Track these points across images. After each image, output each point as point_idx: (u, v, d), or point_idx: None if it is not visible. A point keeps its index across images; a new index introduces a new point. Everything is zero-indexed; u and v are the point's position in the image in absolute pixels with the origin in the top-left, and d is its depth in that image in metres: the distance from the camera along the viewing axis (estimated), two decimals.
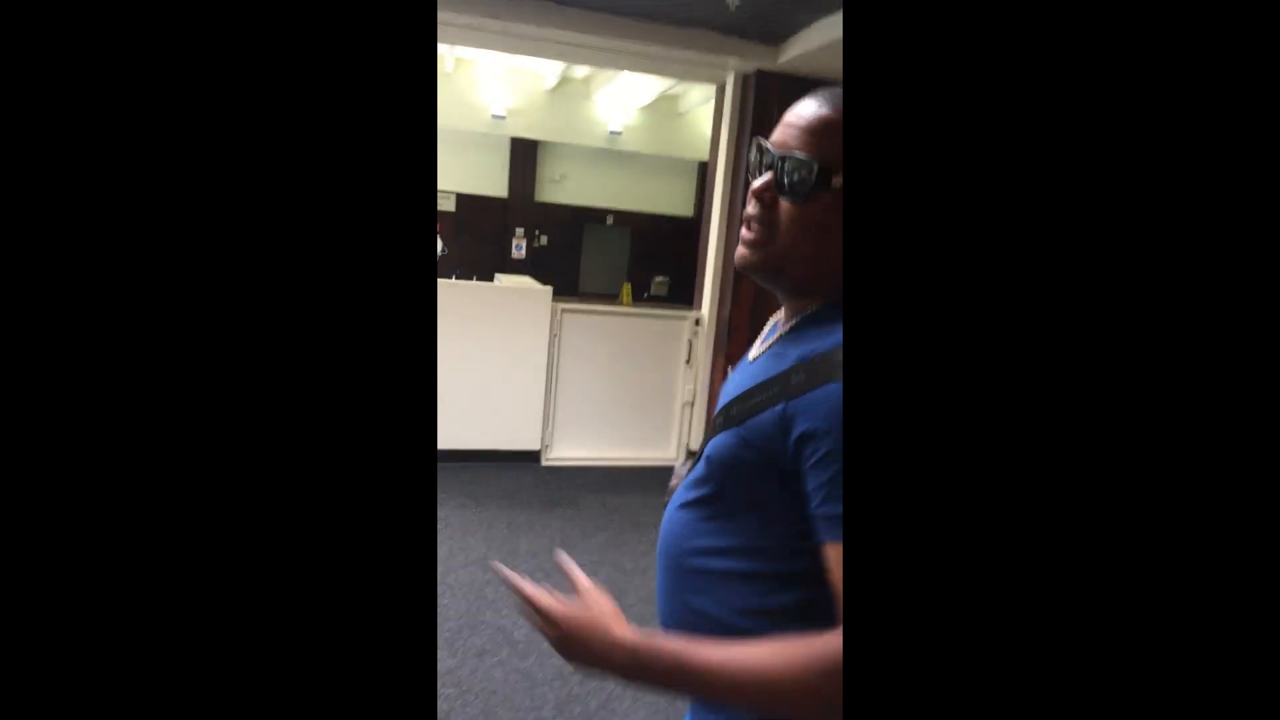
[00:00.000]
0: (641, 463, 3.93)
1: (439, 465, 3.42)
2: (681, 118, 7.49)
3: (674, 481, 0.84)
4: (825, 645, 0.60)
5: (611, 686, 2.10)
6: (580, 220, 8.71)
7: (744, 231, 0.72)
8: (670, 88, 6.72)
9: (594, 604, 0.70)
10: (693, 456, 0.79)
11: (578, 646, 0.67)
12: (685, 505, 0.74)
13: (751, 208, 0.70)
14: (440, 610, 2.42)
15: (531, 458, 3.81)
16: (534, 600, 0.69)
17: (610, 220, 8.81)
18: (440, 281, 4.23)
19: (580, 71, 6.89)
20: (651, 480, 3.72)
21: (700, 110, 7.27)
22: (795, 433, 0.63)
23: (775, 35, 3.23)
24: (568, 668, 2.33)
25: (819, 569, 0.63)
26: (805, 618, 0.63)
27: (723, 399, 0.76)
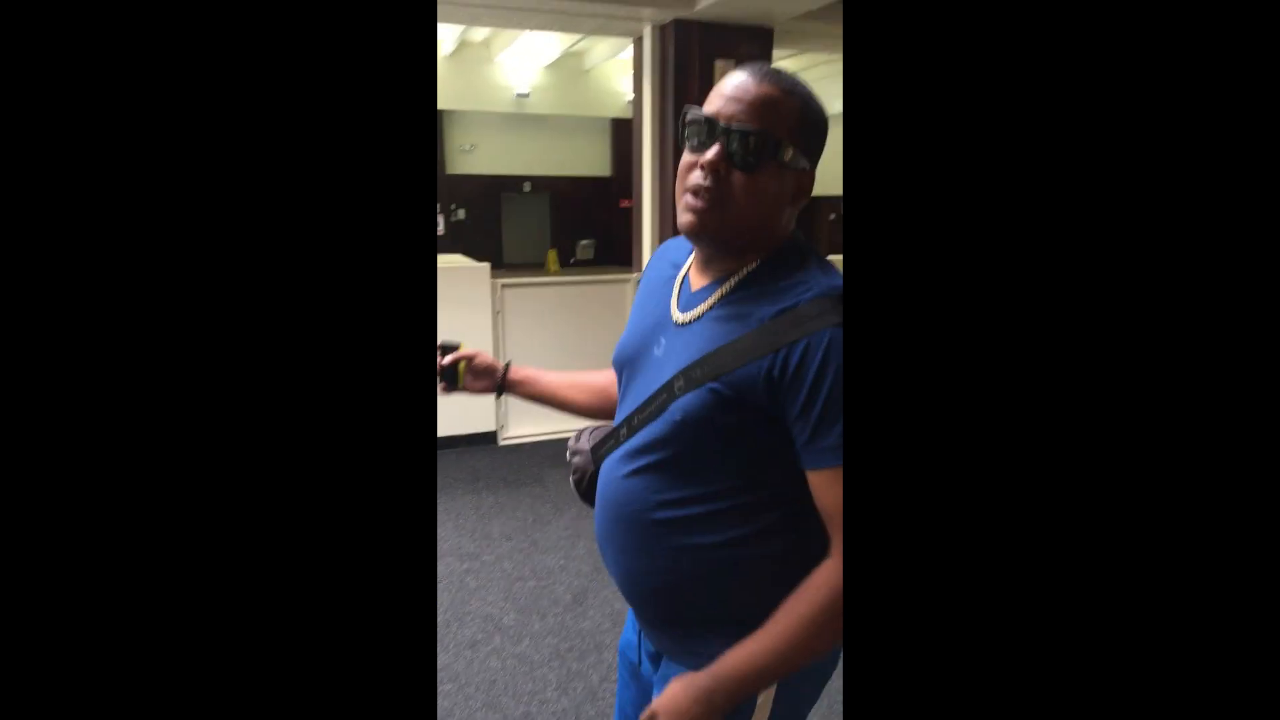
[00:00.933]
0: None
1: None
2: (588, 74, 7.30)
3: (579, 457, 0.92)
4: (824, 589, 0.70)
5: (610, 658, 2.11)
6: (496, 189, 8.44)
7: (690, 199, 0.75)
8: (574, 44, 6.51)
9: (665, 702, 0.76)
10: (625, 426, 0.82)
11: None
12: (640, 471, 0.79)
13: (700, 178, 0.73)
14: None
15: (489, 439, 3.73)
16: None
17: (527, 187, 8.58)
18: None
19: (479, 34, 6.57)
20: None
21: (608, 65, 7.09)
22: (785, 380, 0.69)
23: None
24: (563, 646, 2.31)
25: (784, 494, 0.74)
26: (771, 531, 0.76)
27: (656, 357, 0.81)
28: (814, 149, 0.77)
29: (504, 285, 3.60)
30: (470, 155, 8.20)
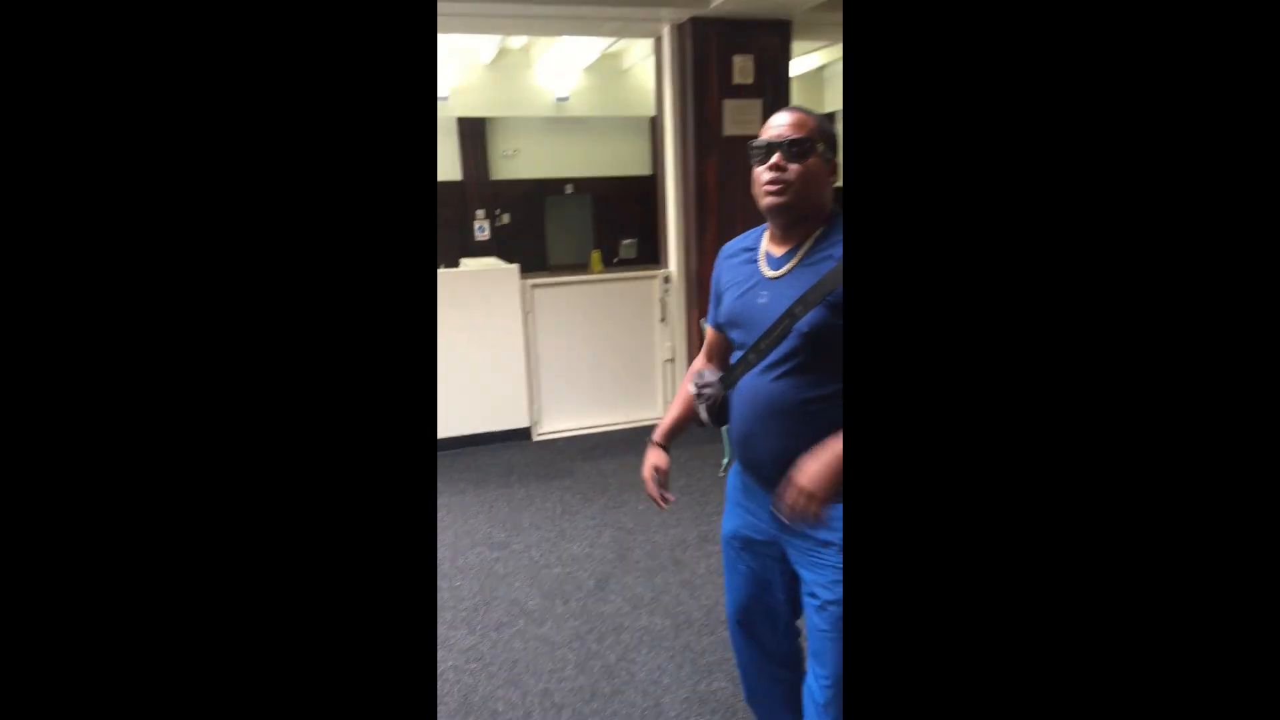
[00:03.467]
0: (630, 425, 4.00)
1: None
2: (626, 74, 7.37)
3: (709, 388, 1.30)
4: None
5: (627, 639, 2.18)
6: (540, 193, 8.61)
7: (768, 188, 1.17)
8: (611, 46, 6.60)
9: (804, 472, 1.11)
10: (752, 353, 1.20)
11: (821, 488, 1.09)
12: (782, 375, 1.17)
13: (770, 173, 1.16)
14: (454, 591, 2.48)
15: (523, 435, 3.85)
16: (787, 500, 1.11)
17: (570, 189, 8.71)
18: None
19: (517, 42, 6.74)
20: (641, 440, 3.78)
21: (644, 65, 7.15)
22: None
23: None
24: (584, 629, 2.38)
25: None
26: None
27: (761, 304, 1.20)
28: (834, 148, 1.20)
29: (533, 285, 3.72)
30: (512, 160, 8.39)
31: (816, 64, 6.52)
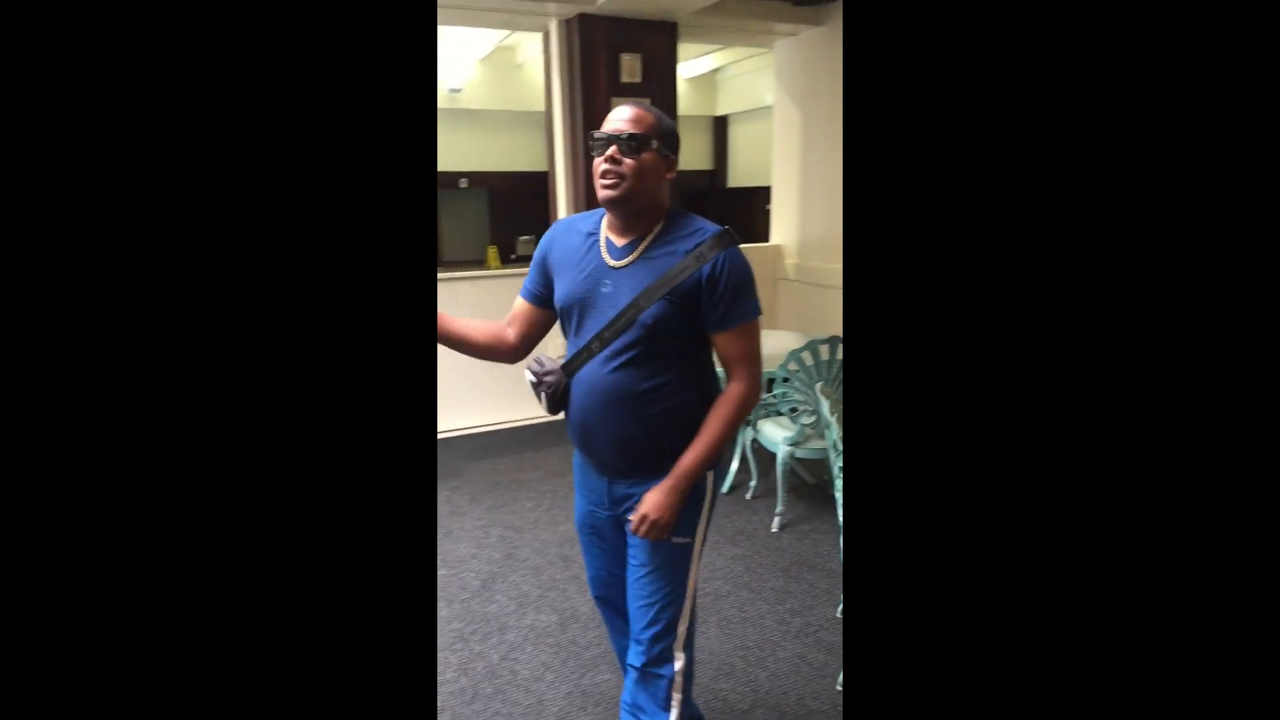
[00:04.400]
0: (519, 423, 3.96)
1: None
2: (520, 69, 7.28)
3: (551, 375, 1.31)
4: (733, 401, 1.25)
5: (512, 638, 2.16)
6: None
7: (604, 181, 1.21)
8: (506, 39, 6.49)
9: (649, 503, 1.25)
10: (595, 341, 1.25)
11: (664, 513, 1.24)
12: (622, 365, 1.23)
13: (606, 165, 1.20)
14: None
15: None
16: (636, 523, 1.26)
17: (464, 183, 8.51)
18: None
19: None
20: (530, 438, 3.76)
21: (538, 60, 7.08)
22: (706, 284, 1.20)
23: None
24: (467, 630, 2.32)
25: (703, 354, 1.29)
26: (704, 380, 1.30)
27: (605, 293, 1.24)
28: (671, 144, 1.26)
29: None
30: None
31: (710, 66, 6.67)
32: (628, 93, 3.52)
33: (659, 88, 3.59)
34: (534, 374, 1.33)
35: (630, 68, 3.48)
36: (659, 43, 3.53)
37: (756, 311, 1.23)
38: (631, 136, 1.19)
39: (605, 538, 1.43)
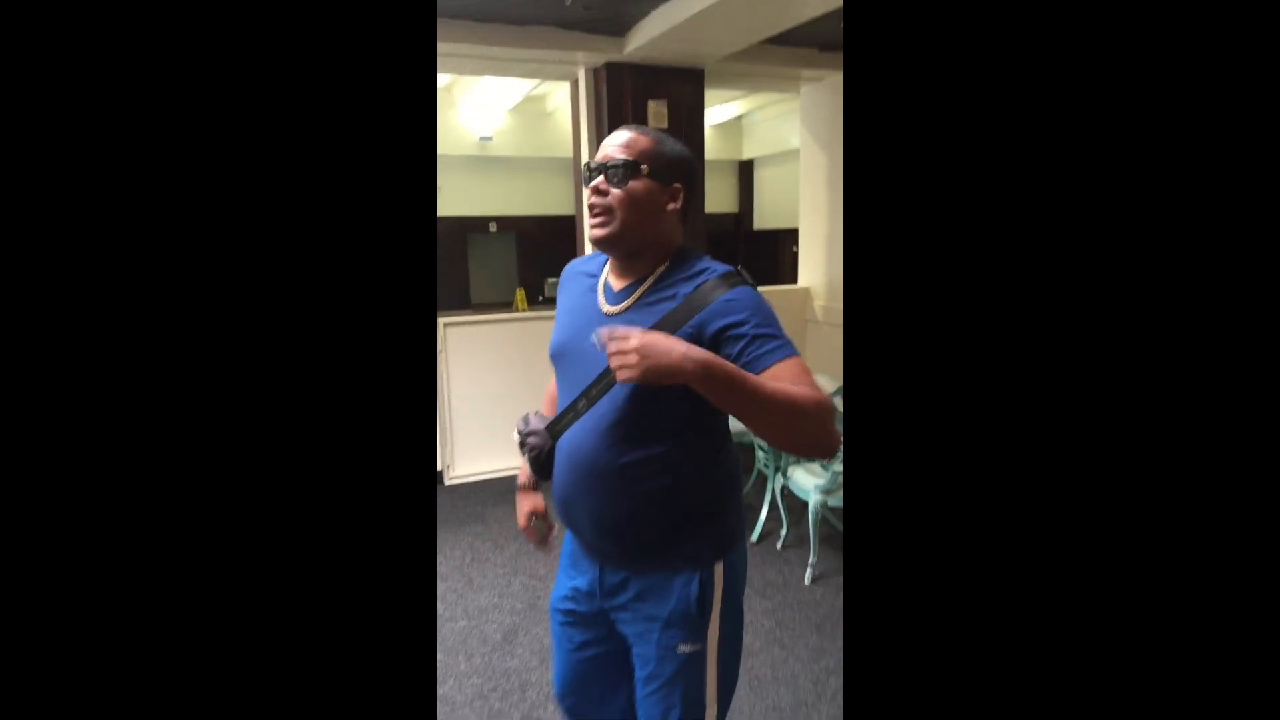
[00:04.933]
0: None
1: None
2: (550, 117, 7.44)
3: (534, 437, 1.12)
4: (825, 397, 0.91)
5: (533, 696, 2.08)
6: (462, 231, 8.51)
7: (592, 219, 1.04)
8: (535, 88, 6.65)
9: (638, 339, 0.89)
10: (581, 400, 1.05)
11: (657, 355, 0.87)
12: (604, 432, 1.02)
13: (594, 197, 1.03)
14: None
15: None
16: (610, 332, 0.90)
17: (493, 227, 8.66)
18: None
19: (441, 80, 6.71)
20: None
21: (567, 108, 7.24)
22: (716, 327, 0.96)
23: (618, 26, 3.25)
24: (487, 687, 2.23)
25: (710, 439, 1.06)
26: (724, 444, 1.09)
27: (602, 350, 0.96)
28: (672, 170, 1.06)
29: (446, 324, 3.63)
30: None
31: (735, 113, 6.75)
32: None
33: (686, 133, 3.61)
34: (519, 433, 1.15)
35: (657, 114, 3.51)
36: (686, 89, 3.56)
37: (793, 350, 0.95)
38: (619, 164, 1.02)
39: (588, 632, 1.18)
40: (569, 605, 1.20)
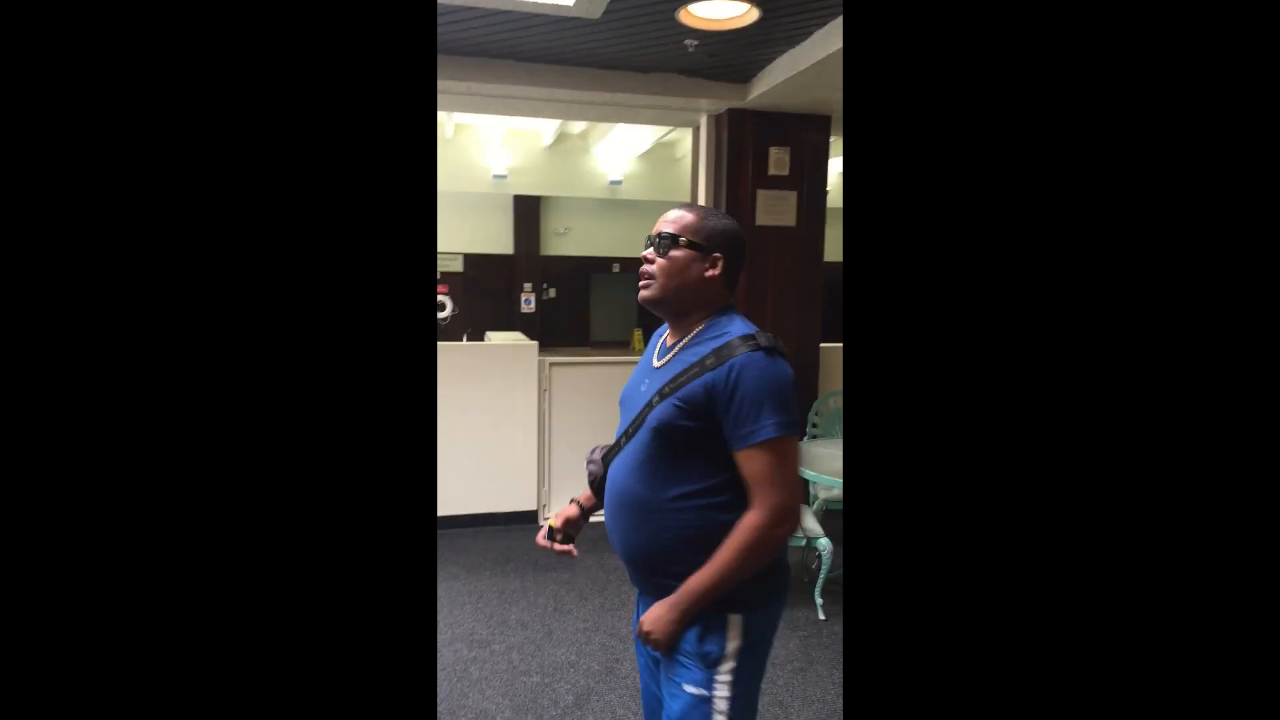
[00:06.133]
0: None
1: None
2: (678, 163, 7.50)
3: (593, 465, 1.29)
4: (746, 530, 1.06)
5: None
6: (586, 271, 8.72)
7: (641, 282, 1.21)
8: (665, 135, 6.75)
9: (649, 615, 1.12)
10: (624, 437, 1.20)
11: (656, 628, 1.10)
12: (634, 468, 1.15)
13: (644, 265, 1.20)
14: None
15: (529, 518, 3.69)
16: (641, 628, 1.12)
17: (616, 268, 8.80)
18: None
19: (577, 127, 6.96)
20: None
21: None
22: (717, 390, 1.07)
23: (741, 74, 3.19)
24: None
25: (732, 473, 1.10)
26: (732, 504, 1.10)
27: (642, 392, 1.20)
28: (712, 241, 1.20)
29: (552, 364, 3.64)
30: (563, 238, 8.56)
31: None
32: (774, 185, 3.42)
33: (808, 180, 3.46)
34: (588, 458, 1.33)
35: (778, 160, 3.40)
36: (810, 136, 3.42)
37: (783, 429, 1.05)
38: (665, 236, 1.19)
39: (642, 656, 1.35)
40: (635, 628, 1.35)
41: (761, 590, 1.13)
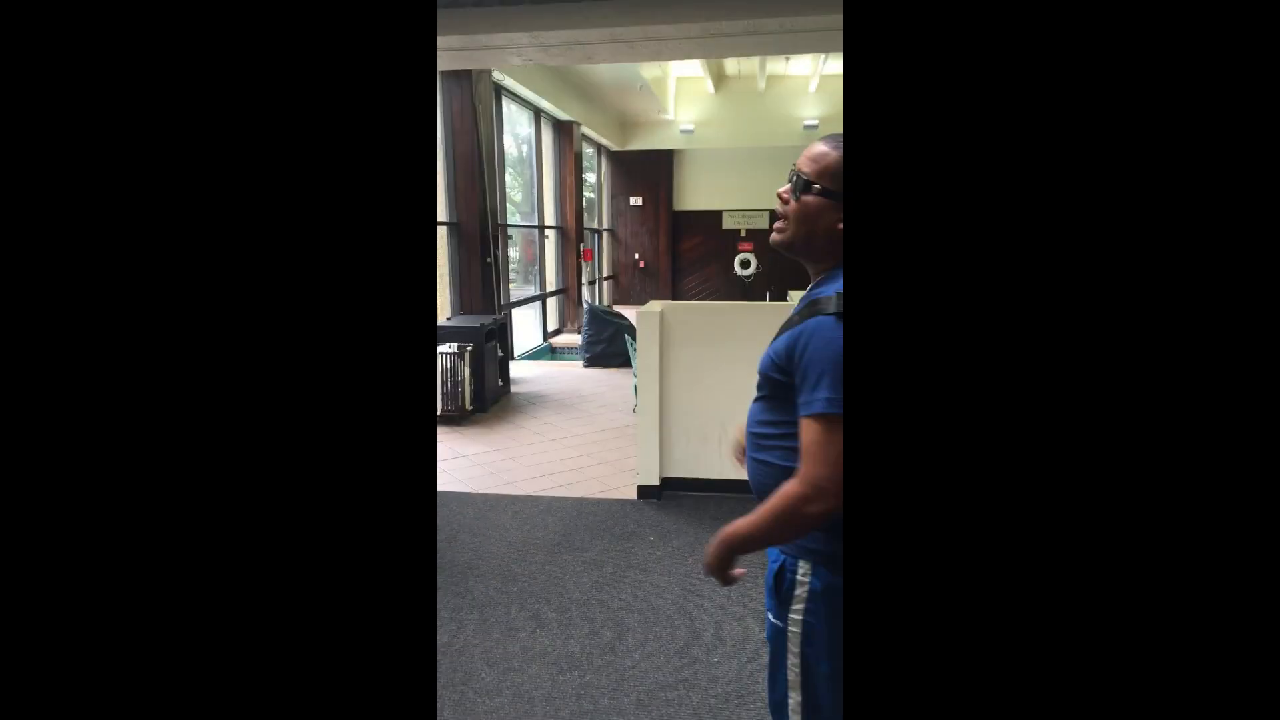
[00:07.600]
0: None
1: (699, 495, 3.45)
2: None
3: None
4: (782, 496, 1.04)
5: None
6: None
7: (775, 224, 1.17)
8: None
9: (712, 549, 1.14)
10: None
11: (706, 562, 1.14)
12: (753, 401, 1.20)
13: (779, 205, 1.15)
14: (709, 670, 2.16)
15: None
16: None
17: None
18: (692, 304, 4.12)
19: None
20: None
21: None
22: (792, 351, 1.07)
23: None
24: None
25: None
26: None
27: None
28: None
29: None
30: None
31: None
32: None
33: None
34: None
35: None
36: None
37: (834, 406, 0.99)
38: (799, 176, 1.12)
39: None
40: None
41: (826, 554, 1.10)
